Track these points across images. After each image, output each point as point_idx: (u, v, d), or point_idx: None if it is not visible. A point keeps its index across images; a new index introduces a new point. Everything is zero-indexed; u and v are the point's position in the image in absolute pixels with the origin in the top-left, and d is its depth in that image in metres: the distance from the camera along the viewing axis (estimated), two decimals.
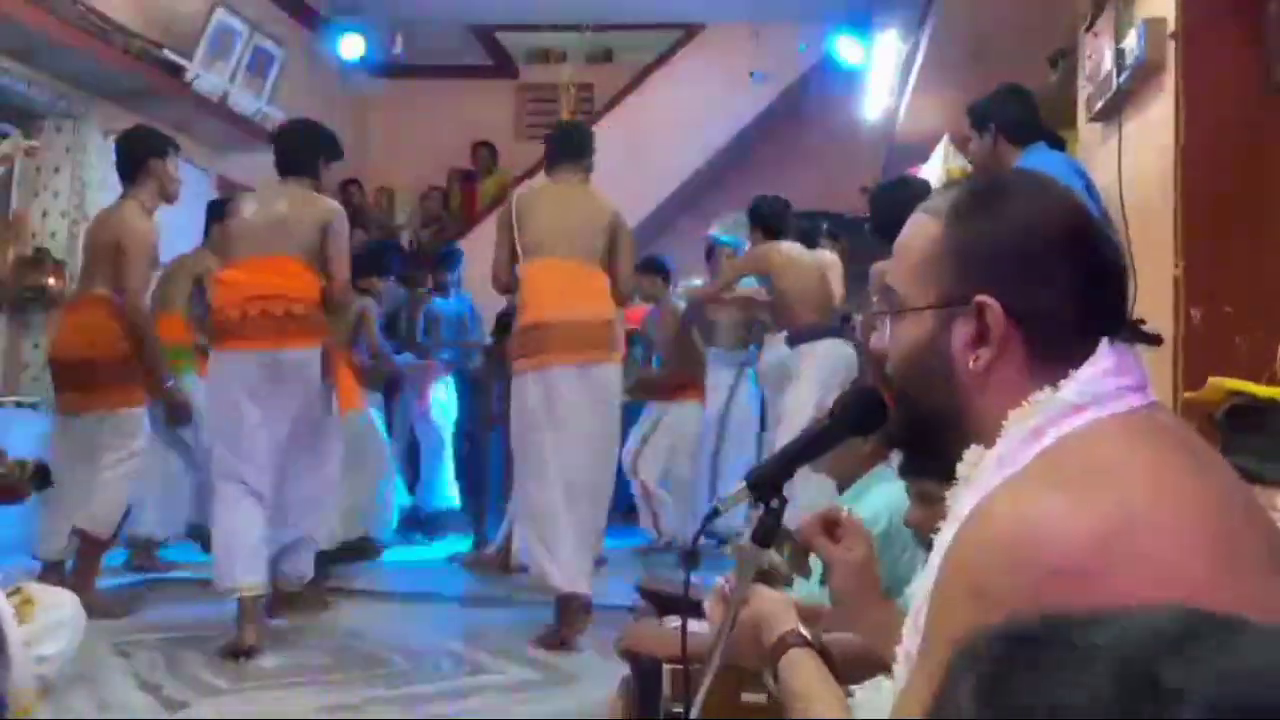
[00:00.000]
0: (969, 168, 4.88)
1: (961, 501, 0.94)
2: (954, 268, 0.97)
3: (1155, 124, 3.17)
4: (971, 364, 0.95)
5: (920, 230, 1.01)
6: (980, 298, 0.94)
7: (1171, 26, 3.05)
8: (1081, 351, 0.93)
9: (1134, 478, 0.84)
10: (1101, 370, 0.92)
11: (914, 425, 1.05)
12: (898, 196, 3.79)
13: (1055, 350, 0.94)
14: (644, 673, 2.14)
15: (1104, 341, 0.94)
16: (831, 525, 1.31)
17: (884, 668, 1.26)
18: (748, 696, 1.70)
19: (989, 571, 0.82)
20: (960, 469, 0.98)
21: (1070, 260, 0.94)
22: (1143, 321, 0.97)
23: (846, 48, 7.49)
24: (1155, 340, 0.97)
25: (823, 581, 1.31)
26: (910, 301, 1.00)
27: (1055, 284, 0.94)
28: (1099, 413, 0.90)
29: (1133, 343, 0.96)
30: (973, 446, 0.98)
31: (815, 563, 1.33)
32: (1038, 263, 0.94)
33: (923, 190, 4.07)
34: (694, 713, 1.16)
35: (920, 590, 0.95)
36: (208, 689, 3.13)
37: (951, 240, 0.97)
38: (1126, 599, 0.78)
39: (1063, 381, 0.92)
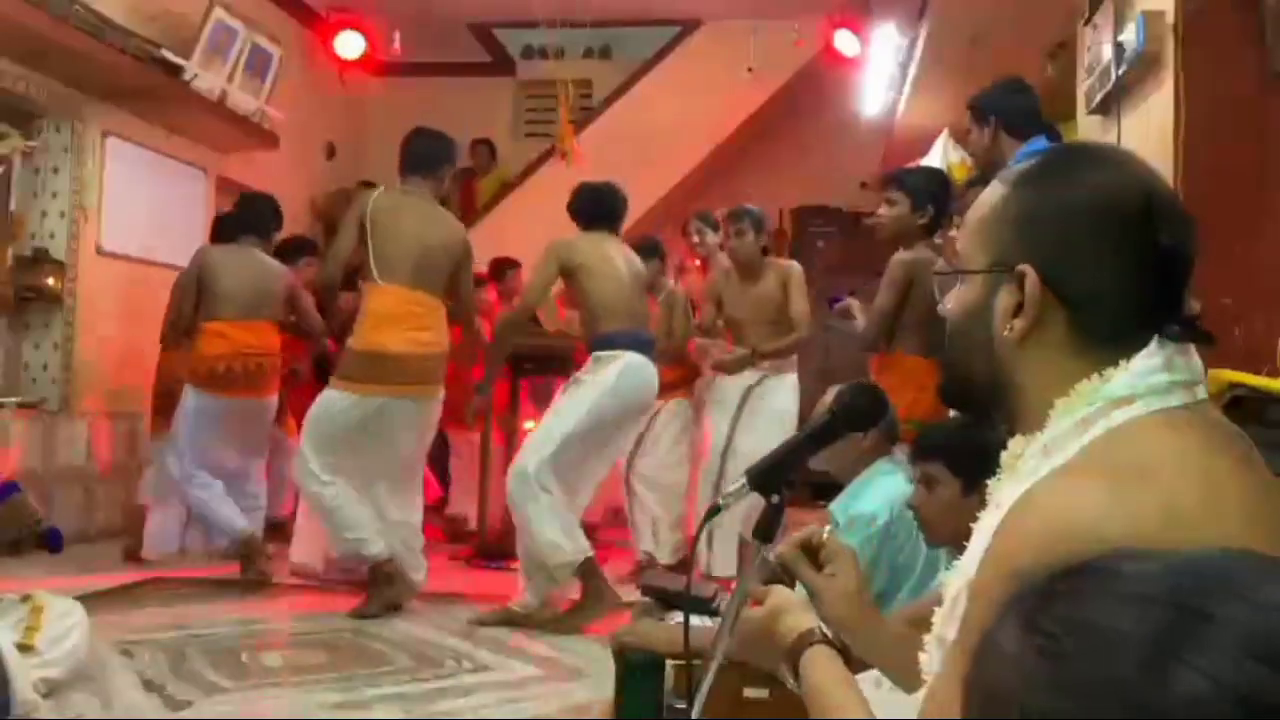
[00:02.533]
0: (969, 161, 4.88)
1: (1004, 490, 0.93)
2: (1008, 234, 0.96)
3: (1154, 116, 3.17)
4: (1006, 333, 0.95)
5: (990, 194, 1.00)
6: (1022, 266, 0.93)
7: (1170, 18, 3.05)
8: (1133, 341, 0.91)
9: (1179, 475, 0.84)
10: (1154, 364, 0.90)
11: (957, 390, 1.05)
12: (933, 186, 3.76)
13: (1101, 335, 0.92)
14: (636, 669, 2.14)
15: (1159, 336, 0.92)
16: (814, 549, 1.27)
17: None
18: (750, 692, 1.70)
19: (1031, 562, 0.81)
20: (1003, 458, 0.98)
21: (1128, 244, 0.91)
22: (1198, 318, 0.94)
23: (845, 42, 7.48)
24: (1207, 339, 0.95)
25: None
26: (968, 263, 1.00)
27: (1106, 266, 0.91)
28: (1147, 407, 0.89)
29: (1185, 340, 0.93)
30: (1016, 436, 0.97)
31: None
32: (1090, 241, 0.92)
33: (944, 179, 4.05)
34: (697, 709, 1.16)
35: (959, 578, 0.94)
36: (211, 688, 3.13)
37: (1011, 206, 0.97)
38: None
39: (1112, 371, 0.91)
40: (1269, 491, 0.88)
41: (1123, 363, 0.90)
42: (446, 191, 9.00)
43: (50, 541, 3.19)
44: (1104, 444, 0.88)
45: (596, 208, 4.32)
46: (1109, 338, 0.92)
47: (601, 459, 4.26)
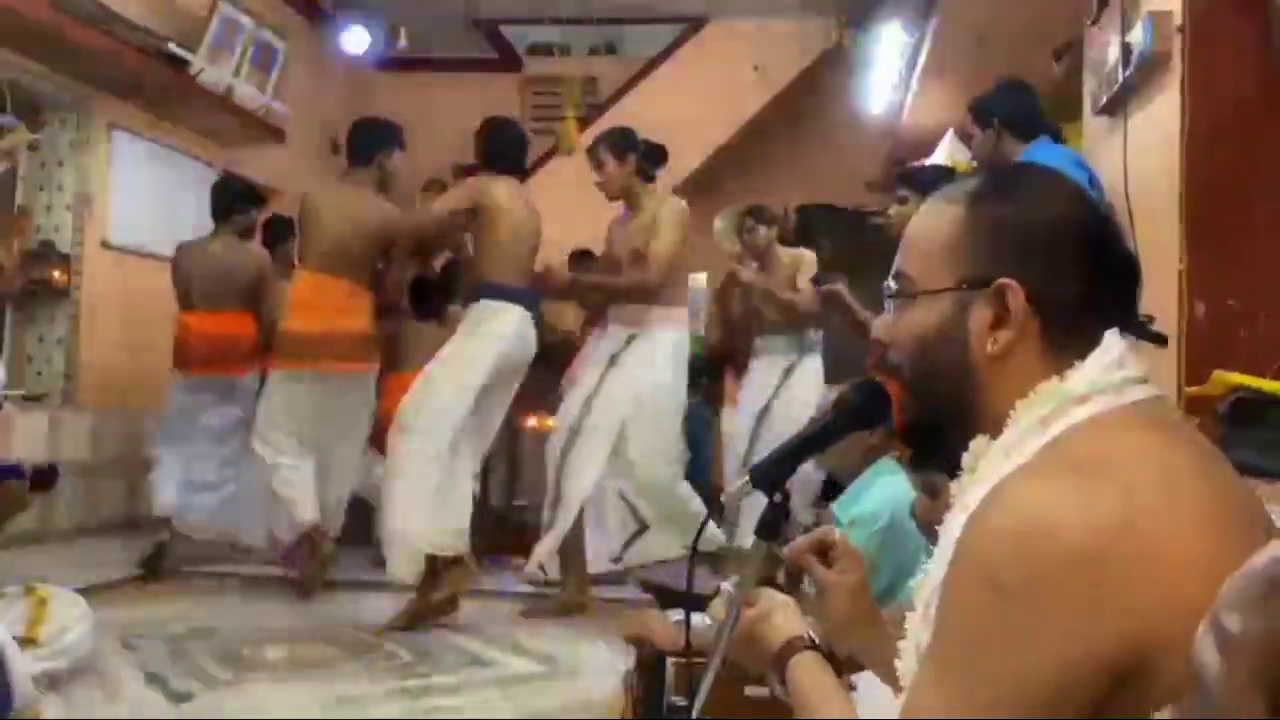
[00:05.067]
0: (974, 162, 4.87)
1: (968, 493, 0.94)
2: (975, 250, 0.97)
3: (1161, 117, 3.16)
4: (990, 346, 0.96)
5: (938, 216, 1.01)
6: (1003, 279, 0.95)
7: (1178, 19, 3.04)
8: (1091, 341, 0.94)
9: (1142, 470, 0.85)
10: (1107, 362, 0.93)
11: (923, 413, 1.05)
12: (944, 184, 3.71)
13: (1069, 338, 0.95)
14: (648, 662, 2.14)
15: (1110, 332, 0.95)
16: (824, 548, 1.28)
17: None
18: (751, 691, 1.70)
19: (1001, 561, 0.83)
20: (965, 459, 0.98)
21: (1087, 249, 0.96)
22: (1151, 319, 0.98)
23: (851, 41, 7.48)
24: (1160, 340, 0.98)
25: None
26: (927, 285, 1.00)
27: (1073, 271, 0.95)
28: (1106, 404, 0.91)
29: (1139, 338, 0.96)
30: (978, 437, 0.98)
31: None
32: (1058, 249, 0.95)
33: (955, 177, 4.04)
34: (697, 707, 1.16)
35: (929, 582, 0.95)
36: (212, 681, 3.14)
37: (973, 224, 0.98)
38: (1136, 589, 0.79)
39: (1069, 372, 0.93)
40: (1227, 484, 0.89)
41: (1078, 363, 0.93)
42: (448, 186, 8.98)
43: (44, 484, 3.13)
44: (1064, 442, 0.89)
45: (507, 149, 4.21)
46: (1076, 340, 0.95)
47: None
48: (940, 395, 1.01)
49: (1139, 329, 0.98)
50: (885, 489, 2.48)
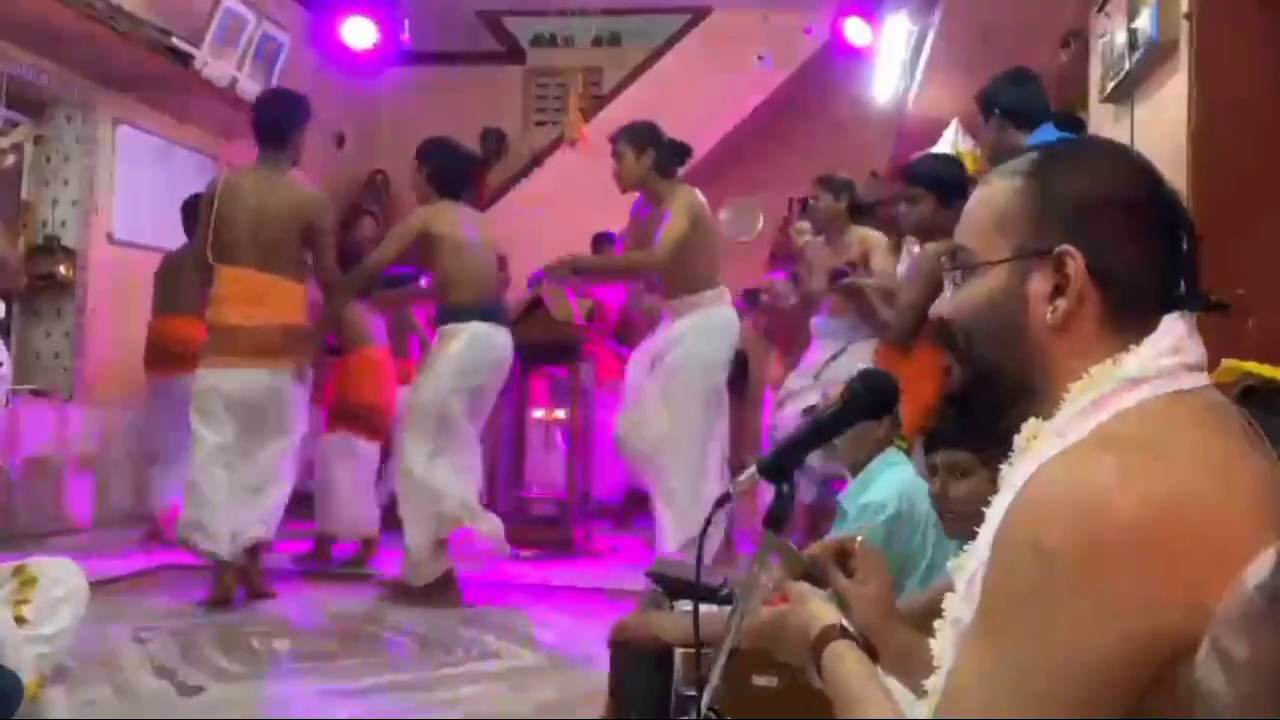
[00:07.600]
0: (979, 150, 4.85)
1: (1018, 473, 0.94)
2: (1035, 220, 0.97)
3: (1168, 104, 3.15)
4: (1049, 316, 0.95)
5: (998, 188, 1.01)
6: (1062, 247, 0.94)
7: (1185, 6, 3.02)
8: (1150, 320, 0.93)
9: (1192, 453, 0.85)
10: (1163, 347, 0.92)
11: (979, 383, 1.04)
12: (953, 173, 3.69)
13: (1129, 314, 0.94)
14: (636, 660, 2.13)
15: (1168, 317, 0.94)
16: (844, 555, 1.26)
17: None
18: (759, 680, 1.70)
19: (1052, 534, 0.82)
20: (1017, 441, 0.98)
21: (1149, 224, 0.95)
22: (1211, 293, 0.97)
23: (855, 30, 7.44)
24: (1223, 309, 0.97)
25: None
26: (987, 255, 0.99)
27: (1134, 244, 0.94)
28: (1158, 389, 0.90)
29: (1207, 311, 0.95)
30: (1030, 420, 0.97)
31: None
32: (1119, 221, 0.94)
33: (958, 162, 4.02)
34: (706, 697, 1.16)
35: (971, 560, 0.94)
36: (222, 674, 3.15)
37: (1033, 193, 0.97)
38: (1190, 564, 0.79)
39: (1123, 355, 0.92)
40: (1270, 472, 0.89)
41: (1133, 346, 0.92)
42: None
43: None
44: (1115, 424, 0.89)
45: (454, 174, 4.31)
46: (1136, 316, 0.94)
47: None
48: (997, 364, 1.00)
49: (1201, 302, 0.96)
50: (892, 479, 2.48)
